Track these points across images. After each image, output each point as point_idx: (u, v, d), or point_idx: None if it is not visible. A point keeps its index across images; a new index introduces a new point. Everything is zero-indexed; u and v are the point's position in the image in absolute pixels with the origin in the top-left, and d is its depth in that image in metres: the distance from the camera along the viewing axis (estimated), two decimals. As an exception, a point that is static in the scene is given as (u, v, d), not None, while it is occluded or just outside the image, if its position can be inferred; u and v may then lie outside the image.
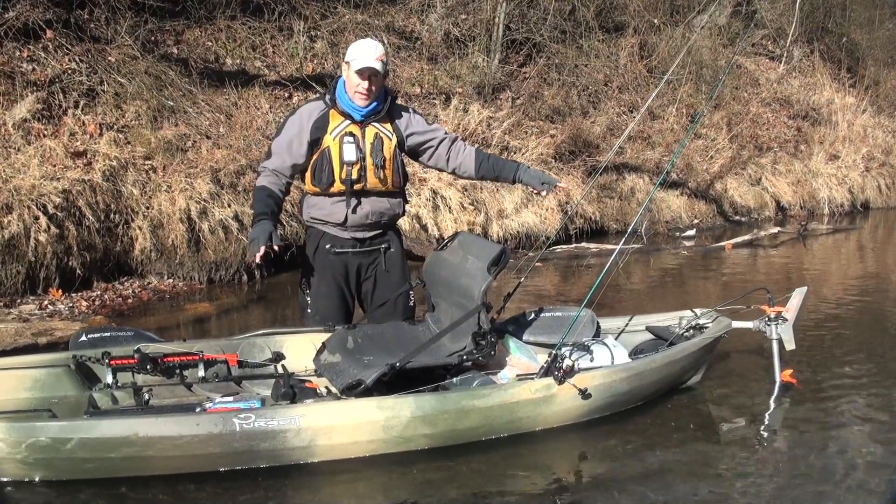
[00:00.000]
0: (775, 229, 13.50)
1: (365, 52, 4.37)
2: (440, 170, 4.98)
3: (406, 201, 4.87)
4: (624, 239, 5.05)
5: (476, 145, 4.90)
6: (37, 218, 7.11)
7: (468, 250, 4.56)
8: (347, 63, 4.43)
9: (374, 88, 4.43)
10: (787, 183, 16.13)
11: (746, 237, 12.42)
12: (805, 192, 16.41)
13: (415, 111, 4.82)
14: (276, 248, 4.37)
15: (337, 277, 4.70)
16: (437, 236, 9.90)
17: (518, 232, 10.92)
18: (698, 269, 10.51)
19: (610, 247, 11.10)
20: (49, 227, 7.15)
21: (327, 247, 4.66)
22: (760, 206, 15.56)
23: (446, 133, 4.85)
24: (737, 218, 14.94)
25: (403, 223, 9.34)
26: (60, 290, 7.34)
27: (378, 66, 4.37)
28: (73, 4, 8.95)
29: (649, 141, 14.07)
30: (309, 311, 4.79)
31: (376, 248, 4.74)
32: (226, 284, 8.39)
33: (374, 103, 4.51)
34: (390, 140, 4.57)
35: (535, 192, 4.93)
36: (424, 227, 9.97)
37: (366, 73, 4.37)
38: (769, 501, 3.77)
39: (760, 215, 15.43)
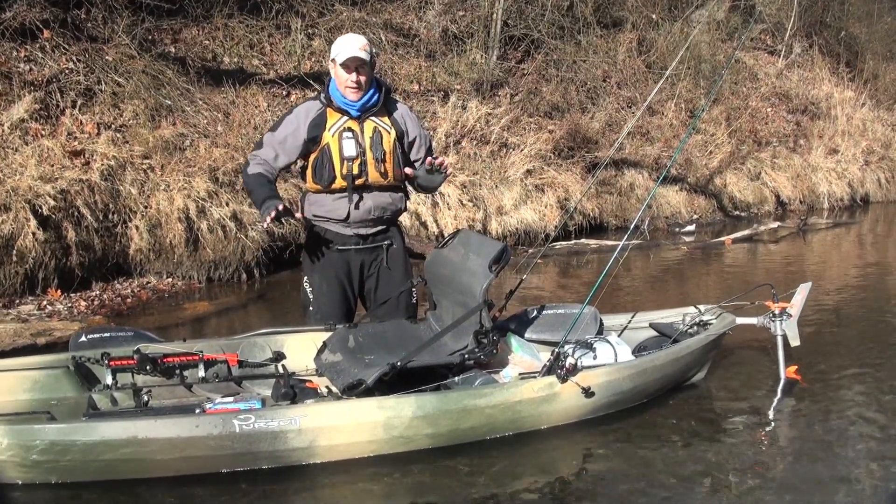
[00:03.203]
0: (775, 224, 13.48)
1: (347, 45, 4.38)
2: None
3: (407, 196, 4.86)
4: (628, 234, 5.02)
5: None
6: (27, 219, 7.07)
7: (469, 248, 4.53)
8: (333, 60, 4.44)
9: (362, 80, 4.42)
10: (786, 177, 16.09)
11: (746, 232, 12.40)
12: (804, 187, 16.37)
13: (411, 110, 4.82)
14: (297, 215, 4.39)
15: (339, 275, 4.69)
16: (436, 233, 9.87)
17: (517, 229, 10.89)
18: (698, 264, 10.48)
19: (610, 243, 11.08)
20: (44, 228, 7.13)
21: (330, 244, 4.63)
22: (760, 201, 15.51)
23: (428, 145, 4.84)
24: (736, 213, 14.91)
25: (403, 220, 9.32)
26: (59, 291, 7.31)
27: (363, 55, 4.36)
28: (70, 4, 8.90)
29: (648, 136, 14.04)
30: (311, 308, 4.78)
31: (379, 244, 4.73)
32: (225, 283, 8.36)
33: (368, 96, 4.50)
34: (389, 133, 4.56)
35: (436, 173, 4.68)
36: (424, 225, 9.94)
37: (352, 66, 4.36)
38: (774, 498, 3.75)
39: (760, 210, 15.40)
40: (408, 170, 4.66)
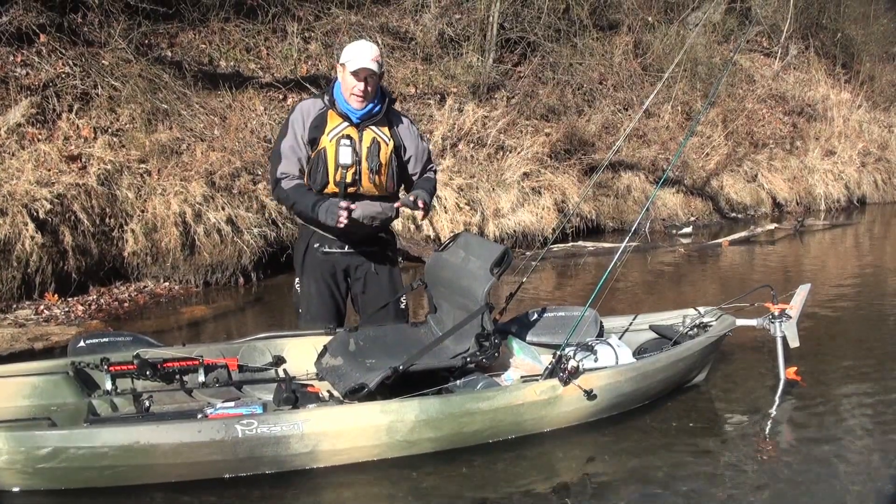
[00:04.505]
0: (772, 226, 13.50)
1: (359, 54, 4.34)
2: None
3: None
4: (629, 236, 5.02)
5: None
6: (25, 223, 7.05)
7: (470, 251, 4.53)
8: (342, 65, 4.40)
9: (369, 90, 4.40)
10: (783, 179, 16.12)
11: (743, 234, 12.40)
12: (801, 188, 16.40)
13: (412, 122, 4.79)
14: (352, 207, 4.33)
15: (326, 277, 4.69)
16: (433, 237, 9.85)
17: (514, 231, 10.88)
18: (696, 266, 10.48)
19: (607, 245, 11.08)
20: (42, 233, 7.10)
21: (316, 246, 4.64)
22: (757, 203, 15.54)
23: (428, 157, 4.82)
24: (733, 215, 14.92)
25: (398, 224, 9.29)
26: (56, 295, 7.28)
27: (374, 66, 4.33)
28: (67, 8, 8.90)
29: (645, 139, 14.05)
30: (301, 310, 4.79)
31: (366, 249, 4.70)
32: (222, 287, 8.35)
33: (371, 105, 4.47)
34: (387, 145, 4.53)
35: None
36: (420, 228, 9.93)
37: (361, 75, 4.33)
38: (774, 499, 3.75)
39: (757, 212, 15.42)
40: (396, 204, 4.61)
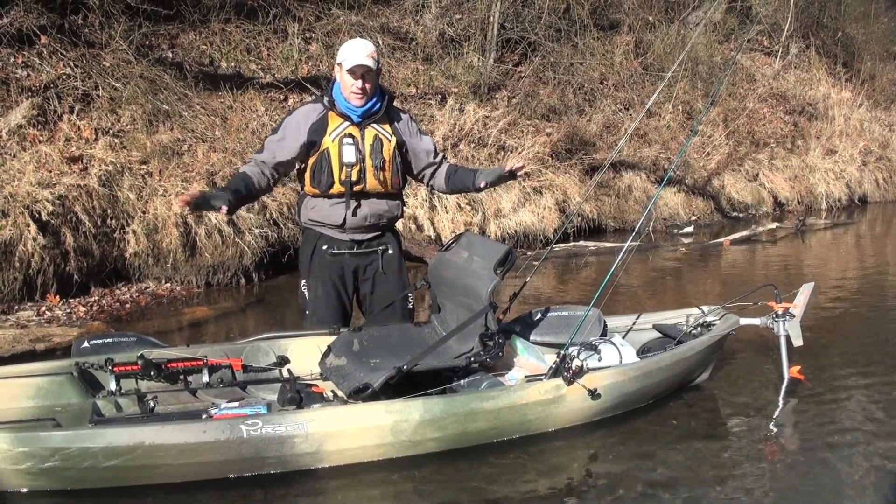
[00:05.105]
0: (773, 225, 13.49)
1: (355, 51, 4.36)
2: (419, 181, 4.92)
3: (403, 203, 4.84)
4: (632, 237, 5.02)
5: (452, 161, 4.82)
6: (27, 225, 7.05)
7: (473, 251, 4.52)
8: (339, 65, 4.41)
9: (367, 87, 4.41)
10: (784, 178, 16.12)
11: (744, 233, 12.40)
12: (802, 188, 16.41)
13: (412, 118, 4.79)
14: (222, 209, 4.22)
15: (334, 279, 4.68)
16: (434, 237, 9.85)
17: (516, 231, 10.88)
18: (697, 265, 10.48)
19: (609, 245, 11.08)
20: (43, 234, 7.10)
21: (324, 248, 4.63)
22: (758, 202, 15.55)
23: (435, 147, 4.81)
24: (734, 214, 14.94)
25: (399, 224, 9.29)
26: (58, 296, 7.28)
27: (370, 63, 4.34)
28: (68, 10, 8.89)
29: (646, 138, 14.04)
30: (307, 312, 4.77)
31: (374, 249, 4.71)
32: (224, 288, 8.34)
33: (371, 103, 4.48)
34: (389, 141, 4.54)
35: (509, 179, 4.75)
36: (421, 228, 9.92)
37: (358, 72, 4.34)
38: (778, 499, 3.75)
39: (758, 211, 15.43)
40: (481, 182, 4.65)
